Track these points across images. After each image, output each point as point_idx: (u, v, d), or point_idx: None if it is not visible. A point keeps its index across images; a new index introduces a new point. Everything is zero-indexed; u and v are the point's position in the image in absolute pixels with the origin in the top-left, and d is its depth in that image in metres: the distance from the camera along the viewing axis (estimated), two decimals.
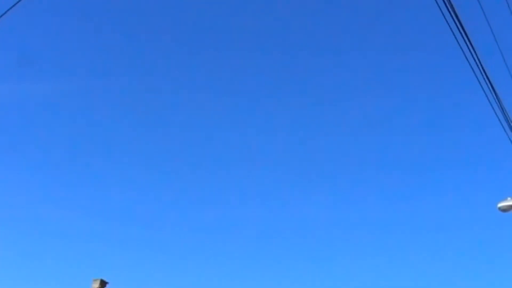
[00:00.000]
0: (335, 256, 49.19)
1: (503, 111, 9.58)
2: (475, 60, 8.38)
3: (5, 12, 7.82)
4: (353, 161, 53.37)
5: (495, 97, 9.03)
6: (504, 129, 10.52)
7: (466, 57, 8.54)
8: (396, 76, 54.39)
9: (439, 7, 7.01)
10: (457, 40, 7.77)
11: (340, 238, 50.18)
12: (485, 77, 8.30)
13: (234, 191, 53.01)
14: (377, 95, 52.75)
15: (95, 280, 28.68)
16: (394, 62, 53.92)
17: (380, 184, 53.63)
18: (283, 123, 52.94)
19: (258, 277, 46.28)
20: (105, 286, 28.69)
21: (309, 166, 53.80)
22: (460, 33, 7.67)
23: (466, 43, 7.93)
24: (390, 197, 52.70)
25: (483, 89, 8.92)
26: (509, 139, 10.65)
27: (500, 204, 15.88)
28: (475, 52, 8.42)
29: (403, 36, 53.59)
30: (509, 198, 15.97)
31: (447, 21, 7.15)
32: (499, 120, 10.16)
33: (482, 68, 8.74)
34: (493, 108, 9.70)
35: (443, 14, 7.03)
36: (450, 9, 7.07)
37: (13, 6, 7.64)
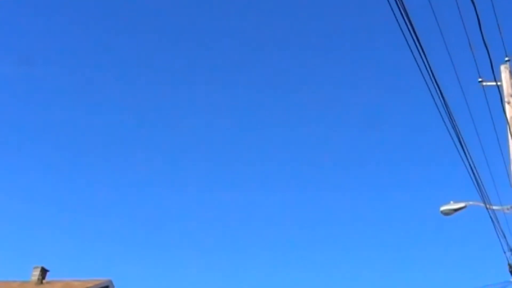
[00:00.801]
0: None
1: (451, 119, 9.66)
2: (424, 63, 8.39)
3: None
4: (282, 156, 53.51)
5: (441, 98, 9.06)
6: (450, 134, 10.58)
7: (415, 59, 8.54)
8: (332, 71, 54.68)
9: None
10: (406, 40, 7.76)
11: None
12: (431, 75, 8.31)
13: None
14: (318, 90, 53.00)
15: (36, 267, 28.25)
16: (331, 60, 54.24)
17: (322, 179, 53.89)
18: None
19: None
20: (45, 274, 28.27)
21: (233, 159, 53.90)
22: (410, 32, 7.67)
23: (416, 45, 7.93)
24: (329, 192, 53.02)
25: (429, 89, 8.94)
26: (455, 144, 10.72)
27: (443, 208, 16.12)
28: (424, 55, 8.43)
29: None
30: (451, 202, 16.22)
31: (395, 17, 7.13)
32: (446, 126, 10.20)
33: (431, 70, 8.75)
34: (440, 114, 9.74)
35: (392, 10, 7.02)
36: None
37: None
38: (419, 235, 50.94)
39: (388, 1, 7.10)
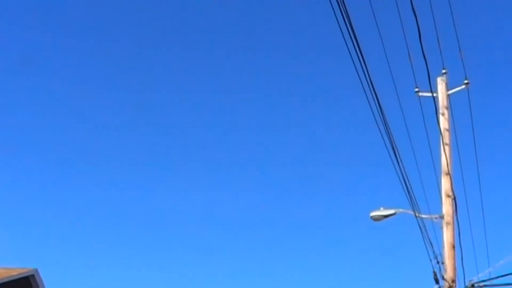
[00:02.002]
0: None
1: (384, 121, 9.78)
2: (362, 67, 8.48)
3: None
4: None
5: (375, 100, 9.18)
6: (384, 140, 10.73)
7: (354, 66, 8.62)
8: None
9: None
10: (342, 35, 7.82)
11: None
12: (368, 81, 8.42)
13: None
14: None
15: None
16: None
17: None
18: None
19: None
20: None
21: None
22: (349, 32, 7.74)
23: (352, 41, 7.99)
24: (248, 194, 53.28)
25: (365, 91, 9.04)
26: (388, 151, 10.89)
27: (373, 214, 16.36)
28: (364, 61, 8.52)
29: None
30: (382, 208, 16.47)
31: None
32: (381, 133, 10.34)
33: (369, 76, 8.86)
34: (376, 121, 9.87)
35: None
36: None
37: None
38: (349, 240, 51.60)
39: (332, 5, 7.15)
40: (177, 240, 51.77)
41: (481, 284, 11.95)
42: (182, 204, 52.41)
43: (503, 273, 11.84)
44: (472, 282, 12.21)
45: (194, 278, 47.19)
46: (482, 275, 12.59)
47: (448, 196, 15.53)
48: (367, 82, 8.61)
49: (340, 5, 7.07)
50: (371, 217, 15.78)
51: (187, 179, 52.40)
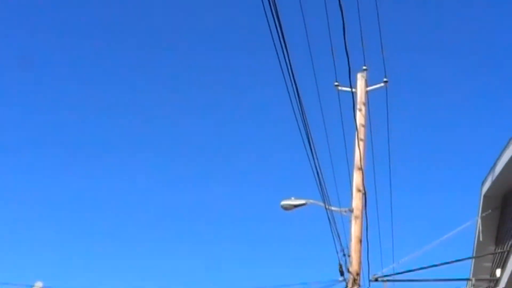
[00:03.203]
0: None
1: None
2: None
3: None
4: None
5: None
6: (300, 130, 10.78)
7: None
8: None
9: None
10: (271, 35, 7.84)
11: None
12: (290, 70, 8.44)
13: None
14: None
15: None
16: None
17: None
18: None
19: None
20: None
21: None
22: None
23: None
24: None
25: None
26: (303, 142, 10.96)
27: (283, 202, 16.53)
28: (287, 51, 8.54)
29: None
30: (293, 198, 16.66)
31: None
32: (298, 123, 10.38)
33: (290, 67, 8.88)
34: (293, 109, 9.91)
35: None
36: None
37: None
38: (260, 230, 52.00)
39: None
40: None
41: (385, 278, 12.24)
42: None
43: (406, 269, 12.16)
44: (376, 276, 12.49)
45: None
46: (386, 270, 12.90)
47: (359, 190, 15.80)
48: (288, 72, 8.63)
49: None
50: (282, 206, 15.91)
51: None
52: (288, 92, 9.02)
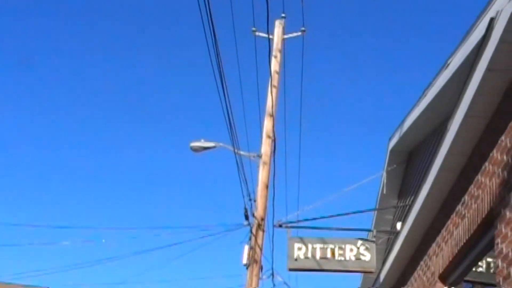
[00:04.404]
0: None
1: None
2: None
3: None
4: None
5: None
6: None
7: None
8: None
9: None
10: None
11: None
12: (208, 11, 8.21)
13: None
14: None
15: None
16: None
17: None
18: None
19: None
20: None
21: None
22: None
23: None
24: None
25: None
26: (216, 84, 10.78)
27: (193, 144, 16.42)
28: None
29: None
30: (202, 140, 16.58)
31: None
32: (212, 65, 10.19)
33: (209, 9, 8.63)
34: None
35: None
36: None
37: None
38: (169, 171, 51.86)
39: None
40: None
41: (288, 224, 12.38)
42: None
43: (310, 217, 12.30)
44: (280, 222, 12.61)
45: None
46: (291, 217, 13.03)
47: (269, 137, 15.91)
48: (206, 13, 8.42)
49: None
50: (191, 147, 15.91)
51: None
52: (205, 34, 8.84)
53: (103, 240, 25.70)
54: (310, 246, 11.76)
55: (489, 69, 5.63)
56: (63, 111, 50.81)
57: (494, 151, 6.06)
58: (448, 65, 7.92)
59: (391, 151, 12.64)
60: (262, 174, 15.80)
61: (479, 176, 6.55)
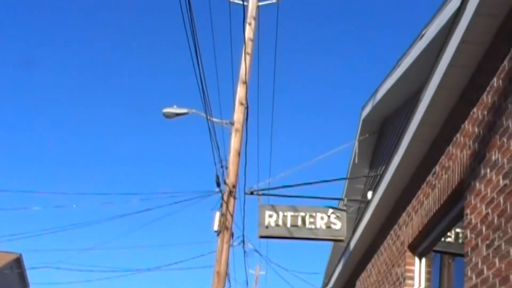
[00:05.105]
0: None
1: None
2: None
3: None
4: None
5: None
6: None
7: None
8: None
9: None
10: None
11: None
12: None
13: None
14: None
15: None
16: None
17: None
18: None
19: None
20: None
21: None
22: None
23: None
24: None
25: None
26: (190, 51, 10.69)
27: (165, 110, 16.37)
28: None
29: None
30: (175, 106, 16.53)
31: None
32: (186, 31, 10.08)
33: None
34: None
35: None
36: None
37: None
38: (141, 137, 51.79)
39: None
40: None
41: (260, 192, 12.39)
42: None
43: (282, 185, 12.32)
44: (252, 189, 12.62)
45: None
46: (262, 184, 13.04)
47: (242, 104, 15.88)
48: None
49: None
50: (164, 113, 15.85)
51: None
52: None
53: (74, 206, 25.66)
54: (281, 213, 11.80)
55: (463, 41, 5.64)
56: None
57: (466, 123, 6.10)
58: (423, 36, 7.92)
59: (364, 120, 12.67)
60: (235, 141, 15.80)
61: (450, 148, 6.59)
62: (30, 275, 40.46)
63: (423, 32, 7.91)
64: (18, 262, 39.90)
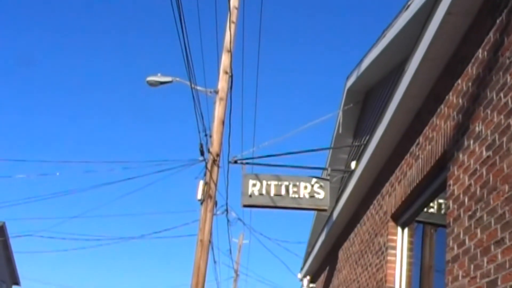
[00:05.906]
0: None
1: None
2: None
3: None
4: None
5: None
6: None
7: None
8: None
9: None
10: None
11: None
12: None
13: None
14: None
15: None
16: None
17: None
18: None
19: None
20: None
21: None
22: None
23: None
24: None
25: None
26: (175, 19, 10.59)
27: (149, 79, 16.28)
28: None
29: None
30: (159, 75, 16.44)
31: None
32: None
33: None
34: None
35: None
36: None
37: None
38: (125, 105, 51.56)
39: None
40: None
41: (244, 161, 12.39)
42: None
43: (266, 154, 12.33)
44: (236, 158, 12.61)
45: None
46: (246, 153, 13.05)
47: (226, 72, 15.82)
48: None
49: None
50: (148, 82, 15.78)
51: None
52: None
53: (58, 173, 25.55)
54: (264, 182, 11.82)
55: (449, 13, 5.62)
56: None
57: (450, 94, 6.10)
58: (409, 6, 7.90)
59: (348, 90, 12.67)
60: (219, 110, 15.76)
61: (434, 118, 6.61)
62: (14, 243, 40.47)
63: (409, 3, 7.88)
64: (1, 230, 39.80)
